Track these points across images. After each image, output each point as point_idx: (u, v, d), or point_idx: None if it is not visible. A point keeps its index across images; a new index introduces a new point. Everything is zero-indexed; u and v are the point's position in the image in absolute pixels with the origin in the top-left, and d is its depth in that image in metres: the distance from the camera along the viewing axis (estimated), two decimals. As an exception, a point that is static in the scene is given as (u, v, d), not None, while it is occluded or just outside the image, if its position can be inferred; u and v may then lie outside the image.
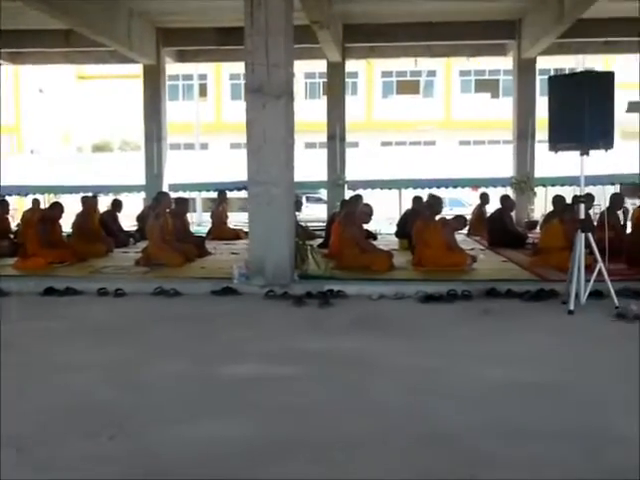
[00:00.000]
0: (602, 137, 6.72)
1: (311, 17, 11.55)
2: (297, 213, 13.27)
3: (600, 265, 6.92)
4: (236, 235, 14.06)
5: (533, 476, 3.10)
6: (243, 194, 11.59)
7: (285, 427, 3.72)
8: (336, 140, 16.39)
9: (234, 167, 16.37)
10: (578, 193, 7.36)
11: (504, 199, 12.78)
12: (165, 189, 14.86)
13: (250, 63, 8.01)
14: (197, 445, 3.44)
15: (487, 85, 33.05)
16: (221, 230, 14.53)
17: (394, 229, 13.35)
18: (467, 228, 14.33)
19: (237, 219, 16.44)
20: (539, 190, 17.08)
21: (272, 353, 5.32)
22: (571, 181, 14.20)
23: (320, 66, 17.89)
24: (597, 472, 3.13)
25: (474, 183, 19.43)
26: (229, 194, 16.08)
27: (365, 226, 10.18)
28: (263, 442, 3.51)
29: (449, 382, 4.53)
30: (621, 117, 31.17)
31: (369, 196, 15.51)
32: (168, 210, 10.62)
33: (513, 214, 13.48)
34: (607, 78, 6.87)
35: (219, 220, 14.92)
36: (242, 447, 3.44)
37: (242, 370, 4.84)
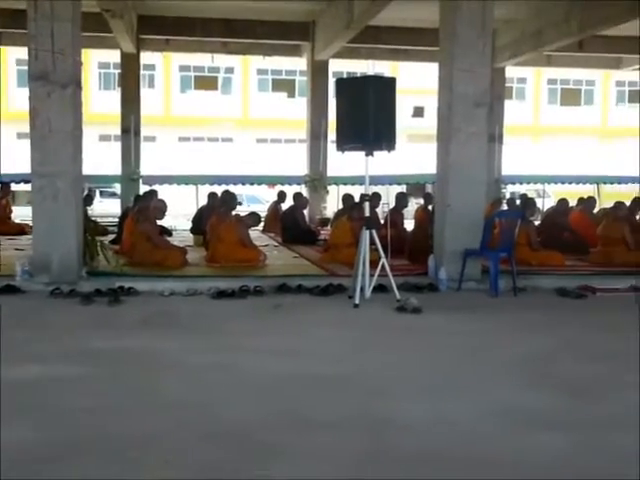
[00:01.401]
0: (385, 139, 7.09)
1: (103, 5, 11.13)
2: (88, 207, 12.77)
3: (383, 261, 7.30)
4: (21, 230, 13.25)
5: (323, 464, 3.19)
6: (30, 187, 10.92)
7: (70, 429, 3.54)
8: (131, 133, 15.91)
9: (21, 157, 15.41)
10: (375, 191, 7.72)
11: (297, 197, 13.13)
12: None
13: (33, 49, 7.56)
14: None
15: (284, 84, 33.72)
16: (4, 224, 13.63)
17: (190, 225, 13.23)
18: (262, 225, 14.55)
19: (24, 213, 15.44)
20: (332, 188, 17.72)
21: (57, 354, 5.05)
22: (361, 180, 14.85)
23: (115, 56, 17.29)
24: (383, 456, 3.29)
25: (270, 181, 19.75)
26: (15, 187, 15.08)
27: (160, 222, 9.99)
28: (44, 444, 3.32)
29: (238, 377, 4.55)
30: (408, 121, 33.28)
31: (165, 192, 15.25)
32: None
33: (306, 211, 13.88)
34: (390, 83, 7.26)
35: (2, 214, 13.99)
36: (18, 450, 3.23)
37: (23, 372, 4.54)
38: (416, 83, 31.20)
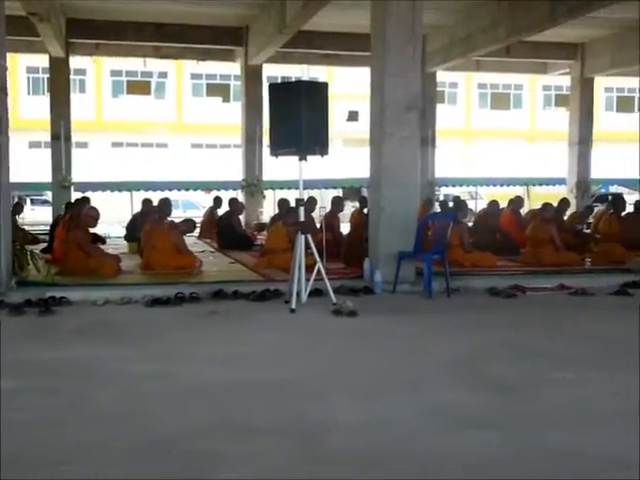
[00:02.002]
0: (318, 143, 7.13)
1: (29, 8, 10.88)
2: (18, 216, 12.45)
3: (319, 265, 7.34)
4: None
5: (259, 470, 3.18)
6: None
7: (2, 443, 3.45)
8: (61, 140, 15.59)
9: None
10: (311, 195, 7.75)
11: (232, 202, 13.08)
12: None
13: (-44, 53, 7.35)
14: None
15: (218, 89, 33.55)
16: None
17: (124, 232, 13.03)
18: (198, 231, 14.44)
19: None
20: (268, 193, 17.72)
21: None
22: (297, 185, 14.89)
23: (44, 61, 16.92)
24: (318, 459, 3.31)
25: (206, 186, 19.66)
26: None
27: (93, 229, 9.81)
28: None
29: (173, 386, 4.51)
30: (343, 125, 33.52)
31: (99, 198, 15.00)
32: None
33: (242, 217, 13.85)
34: (322, 88, 7.31)
35: None
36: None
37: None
38: (351, 88, 31.50)
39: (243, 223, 14.15)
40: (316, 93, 7.18)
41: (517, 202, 13.02)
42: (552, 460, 3.29)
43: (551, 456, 3.34)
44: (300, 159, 7.24)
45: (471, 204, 23.02)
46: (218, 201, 14.95)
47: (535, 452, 3.39)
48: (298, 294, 7.20)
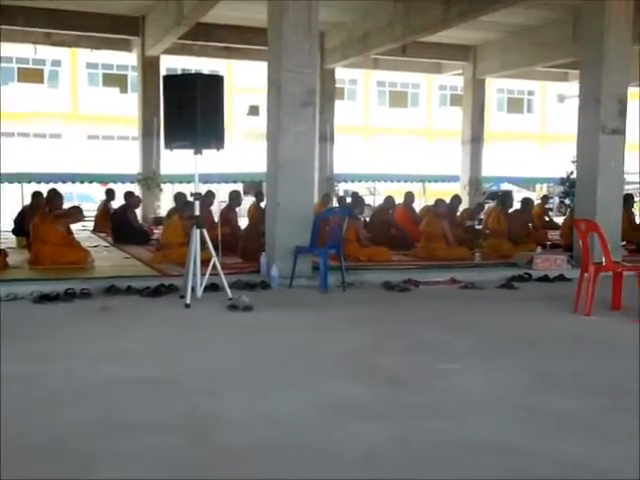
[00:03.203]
0: (214, 137, 7.07)
1: None
2: None
3: (214, 259, 7.30)
4: None
5: (146, 467, 3.14)
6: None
7: None
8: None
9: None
10: (209, 189, 7.67)
11: (128, 195, 12.80)
12: None
13: None
14: None
15: (115, 79, 32.66)
16: None
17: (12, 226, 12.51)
18: (93, 225, 14.07)
19: None
20: (166, 187, 17.42)
21: None
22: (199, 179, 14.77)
23: None
24: (208, 455, 3.29)
25: (102, 179, 19.10)
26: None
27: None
28: None
29: (61, 384, 4.38)
30: (244, 120, 33.35)
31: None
32: None
33: (139, 210, 13.57)
34: (218, 81, 7.25)
35: None
36: None
37: None
38: (252, 82, 31.34)
39: (140, 217, 13.87)
40: (212, 86, 7.11)
41: (408, 198, 13.32)
42: (435, 448, 3.40)
43: (434, 444, 3.45)
44: (195, 153, 7.16)
45: (370, 200, 23.43)
46: (111, 194, 14.59)
47: (419, 441, 3.49)
48: (193, 289, 7.13)
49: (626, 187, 24.42)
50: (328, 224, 8.71)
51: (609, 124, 9.42)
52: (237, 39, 15.92)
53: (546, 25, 14.57)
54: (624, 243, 11.00)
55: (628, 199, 12.84)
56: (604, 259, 6.91)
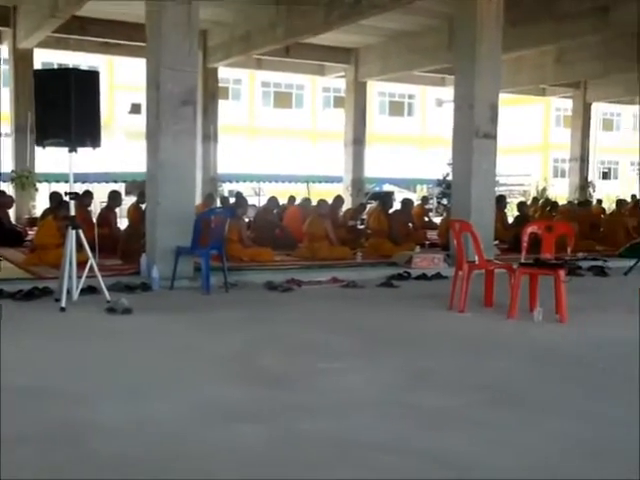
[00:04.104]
0: (89, 135, 6.85)
1: None
2: None
3: (91, 261, 7.08)
4: None
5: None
6: None
7: None
8: None
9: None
10: (87, 189, 7.41)
11: (-1, 195, 12.21)
12: None
13: None
14: None
15: (-14, 73, 31.04)
16: None
17: None
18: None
19: None
20: (43, 186, 16.74)
21: None
22: (75, 178, 14.25)
23: None
24: (85, 464, 3.18)
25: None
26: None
27: None
28: None
29: None
30: (125, 118, 32.53)
31: None
32: None
33: (12, 210, 12.98)
34: (93, 77, 7.02)
35: None
36: None
37: None
38: (134, 79, 30.59)
39: (13, 217, 13.26)
40: (87, 82, 6.87)
41: (306, 201, 13.50)
42: (316, 447, 3.43)
43: (315, 444, 3.47)
44: (70, 151, 6.91)
45: (255, 200, 23.41)
46: (-17, 194, 13.88)
47: (300, 441, 3.51)
48: (69, 292, 6.88)
49: (499, 189, 25.62)
50: (210, 224, 8.63)
51: (482, 128, 9.83)
52: (116, 34, 15.49)
53: (423, 31, 15.05)
54: (497, 242, 11.52)
55: (501, 200, 13.48)
56: (477, 258, 7.20)
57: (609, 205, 18.70)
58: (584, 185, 21.53)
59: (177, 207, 8.19)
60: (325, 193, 17.95)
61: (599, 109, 35.11)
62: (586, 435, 3.64)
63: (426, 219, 16.27)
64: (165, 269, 8.03)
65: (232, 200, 13.26)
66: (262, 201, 23.25)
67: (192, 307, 7.22)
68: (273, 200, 12.74)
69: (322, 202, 10.96)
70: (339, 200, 12.89)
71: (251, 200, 22.85)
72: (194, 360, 5.11)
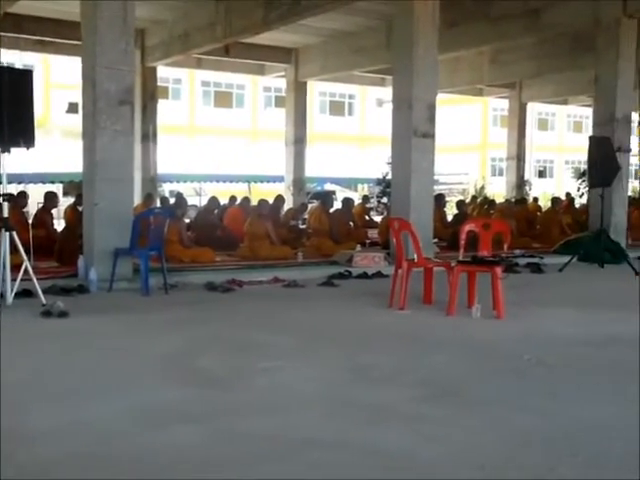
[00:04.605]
0: (22, 135, 6.70)
1: None
2: None
3: (26, 264, 6.93)
4: None
5: None
6: None
7: None
8: None
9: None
10: (22, 190, 7.25)
11: None
12: None
13: None
14: None
15: None
16: None
17: None
18: None
19: None
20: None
21: None
22: (9, 178, 13.89)
23: None
24: (15, 468, 3.09)
25: None
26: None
27: None
28: None
29: None
30: (63, 117, 31.86)
31: None
32: None
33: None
34: (25, 76, 6.87)
35: None
36: None
37: None
38: (71, 78, 30.00)
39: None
40: (20, 81, 6.73)
41: (246, 200, 13.45)
42: (256, 446, 3.42)
43: (255, 442, 3.47)
44: (2, 151, 6.75)
45: (196, 200, 23.21)
46: None
47: (239, 440, 3.51)
48: (2, 296, 6.75)
49: (439, 188, 26.04)
50: (149, 225, 8.52)
51: (420, 128, 9.97)
52: (52, 32, 15.11)
53: (363, 32, 15.15)
54: (437, 240, 11.71)
55: (440, 199, 13.69)
56: (416, 256, 7.30)
57: (545, 203, 19.16)
58: (521, 183, 22.00)
59: (115, 208, 8.08)
60: (267, 193, 17.92)
61: (535, 109, 35.99)
62: (519, 425, 3.73)
63: (367, 218, 16.40)
64: (103, 271, 7.91)
65: (172, 200, 13.14)
66: (203, 201, 23.10)
67: (130, 309, 7.12)
68: (214, 200, 12.67)
69: (263, 202, 10.95)
70: (280, 200, 12.90)
71: (192, 200, 22.69)
72: (133, 362, 5.04)
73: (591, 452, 3.38)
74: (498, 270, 6.75)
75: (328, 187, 28.34)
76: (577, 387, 4.50)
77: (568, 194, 19.08)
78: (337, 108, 40.17)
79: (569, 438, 3.54)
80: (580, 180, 21.81)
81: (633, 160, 20.42)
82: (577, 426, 3.72)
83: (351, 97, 40.43)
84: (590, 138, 11.21)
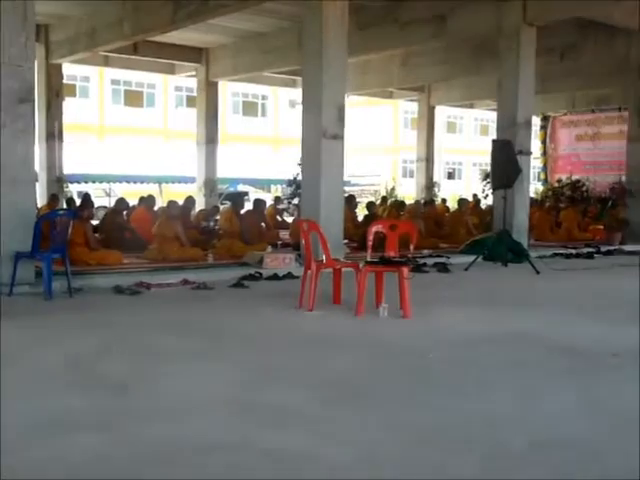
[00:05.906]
0: None
1: None
2: None
3: None
4: None
5: None
6: None
7: None
8: None
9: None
10: None
11: None
12: None
13: None
14: None
15: None
16: None
17: None
18: None
19: None
20: None
21: None
22: None
23: None
24: None
25: None
26: None
27: None
28: None
29: None
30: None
31: None
32: None
33: None
34: None
35: None
36: None
37: None
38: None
39: None
40: None
41: (149, 200, 13.18)
42: (157, 451, 3.37)
43: (156, 447, 3.42)
44: None
45: (106, 201, 22.68)
46: None
47: (140, 445, 3.44)
48: None
49: (352, 189, 26.31)
50: (53, 227, 8.26)
51: (329, 130, 10.04)
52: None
53: (274, 32, 15.17)
54: (347, 241, 11.83)
55: (351, 200, 13.85)
56: (324, 257, 7.35)
57: (453, 204, 19.66)
58: (430, 185, 22.50)
59: (15, 209, 7.80)
60: (178, 194, 17.68)
61: (444, 112, 36.85)
62: (419, 423, 3.81)
63: (279, 219, 16.42)
64: (3, 275, 7.64)
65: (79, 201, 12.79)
66: (113, 202, 22.60)
67: (32, 314, 6.89)
68: (122, 201, 12.40)
69: (172, 203, 10.79)
70: (190, 201, 12.75)
71: (102, 201, 22.17)
72: (32, 370, 4.87)
73: (489, 446, 3.49)
74: (405, 270, 6.86)
75: (241, 188, 28.23)
76: (480, 383, 4.63)
77: (475, 195, 19.64)
78: (250, 109, 40.04)
79: (467, 433, 3.64)
80: (485, 182, 22.48)
81: (535, 163, 21.27)
82: (476, 422, 3.83)
83: (264, 98, 40.38)
84: (493, 141, 11.58)
